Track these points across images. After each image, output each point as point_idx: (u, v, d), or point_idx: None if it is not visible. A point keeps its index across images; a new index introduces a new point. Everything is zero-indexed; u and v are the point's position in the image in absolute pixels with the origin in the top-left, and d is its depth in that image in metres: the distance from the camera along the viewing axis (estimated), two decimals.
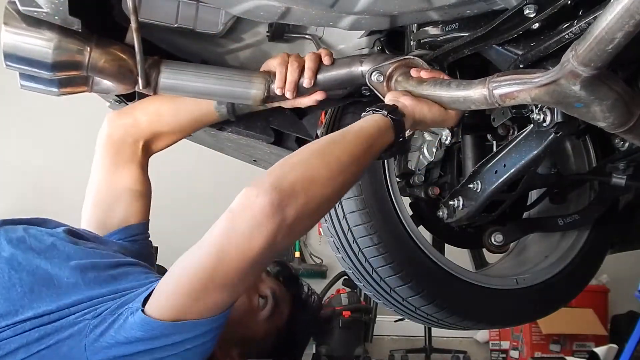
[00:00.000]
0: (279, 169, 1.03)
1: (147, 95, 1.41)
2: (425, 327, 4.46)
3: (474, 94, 1.08)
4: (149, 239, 1.43)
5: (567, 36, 1.03)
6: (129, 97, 1.49)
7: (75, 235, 1.27)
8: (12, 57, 1.24)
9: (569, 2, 1.02)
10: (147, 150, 1.44)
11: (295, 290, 1.40)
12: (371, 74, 1.28)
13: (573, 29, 1.01)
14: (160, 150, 1.48)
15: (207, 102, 1.38)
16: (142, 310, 1.02)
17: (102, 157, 1.43)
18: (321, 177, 1.03)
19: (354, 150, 1.08)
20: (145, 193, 1.43)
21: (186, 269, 1.02)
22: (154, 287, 1.05)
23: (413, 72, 1.26)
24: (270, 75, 1.36)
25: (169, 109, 1.42)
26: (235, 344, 1.28)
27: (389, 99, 1.21)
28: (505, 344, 4.79)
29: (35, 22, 1.22)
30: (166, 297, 1.03)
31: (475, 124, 1.53)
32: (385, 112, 1.13)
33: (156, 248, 4.40)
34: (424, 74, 1.24)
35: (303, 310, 1.40)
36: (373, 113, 1.14)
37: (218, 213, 1.04)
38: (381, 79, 1.28)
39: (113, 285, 1.15)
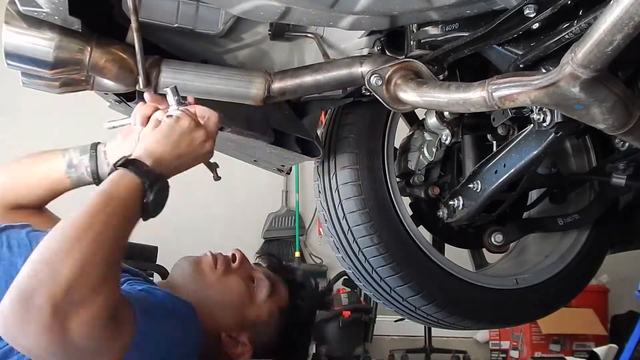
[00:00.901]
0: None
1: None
2: (425, 327, 4.46)
3: (473, 96, 1.08)
4: None
5: (567, 36, 1.03)
6: (129, 97, 1.49)
7: None
8: (14, 57, 1.25)
9: (569, 2, 1.02)
10: (26, 206, 1.36)
11: (288, 275, 1.41)
12: (370, 77, 1.29)
13: (573, 29, 1.01)
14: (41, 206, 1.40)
15: (58, 170, 1.32)
16: None
17: None
18: (62, 247, 0.94)
19: (91, 208, 1.00)
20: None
21: None
22: None
23: None
24: (270, 75, 1.36)
25: (28, 187, 1.35)
26: (242, 329, 1.29)
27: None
28: (505, 344, 4.79)
29: (36, 22, 1.22)
30: None
31: (475, 124, 1.53)
32: (113, 167, 1.08)
33: (156, 248, 4.40)
34: None
35: (301, 288, 1.41)
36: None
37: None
38: (380, 82, 1.29)
39: None
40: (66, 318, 0.90)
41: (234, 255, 1.34)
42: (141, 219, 1.07)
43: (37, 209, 1.38)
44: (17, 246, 1.18)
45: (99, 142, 1.35)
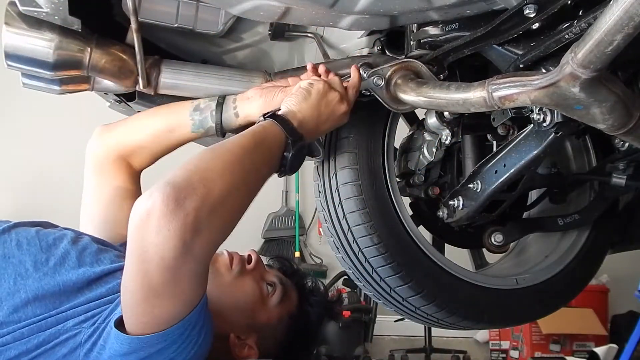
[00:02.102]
0: (173, 171, 0.99)
1: (148, 95, 1.41)
2: (425, 327, 4.46)
3: (473, 96, 1.08)
4: None
5: (567, 36, 1.03)
6: (129, 97, 1.49)
7: (82, 239, 1.26)
8: (14, 57, 1.25)
9: (569, 2, 1.02)
10: (131, 166, 1.41)
11: (299, 280, 1.42)
12: (370, 77, 1.29)
13: (573, 29, 1.01)
14: (146, 166, 1.45)
15: (184, 124, 1.35)
16: (117, 325, 1.04)
17: (90, 173, 1.42)
18: (216, 167, 1.00)
19: (244, 143, 1.07)
20: None
21: (126, 289, 1.01)
22: None
23: None
24: (270, 75, 1.36)
25: (146, 129, 1.39)
26: (251, 331, 1.29)
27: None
28: (505, 344, 4.79)
29: (35, 23, 1.22)
30: (125, 312, 1.03)
31: (475, 124, 1.53)
32: (262, 117, 1.16)
33: None
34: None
35: (311, 294, 1.42)
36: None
37: None
38: (380, 82, 1.29)
39: (112, 282, 1.15)
40: (199, 233, 0.93)
41: (249, 256, 1.34)
42: (276, 175, 1.14)
43: (135, 175, 1.42)
44: (27, 244, 1.18)
45: (226, 95, 1.35)
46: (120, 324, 1.04)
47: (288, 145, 1.13)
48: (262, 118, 1.16)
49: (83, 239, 1.24)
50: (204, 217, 0.94)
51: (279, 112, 1.17)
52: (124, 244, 1.28)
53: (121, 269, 1.17)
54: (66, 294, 1.12)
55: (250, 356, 1.28)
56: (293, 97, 1.21)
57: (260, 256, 1.38)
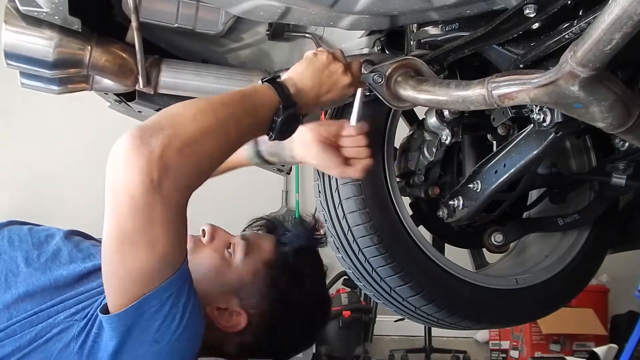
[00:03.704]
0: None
1: (148, 95, 1.41)
2: (425, 327, 4.47)
3: (472, 94, 1.08)
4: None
5: (567, 36, 1.03)
6: (129, 97, 1.49)
7: (74, 236, 1.26)
8: (13, 56, 1.25)
9: (569, 2, 1.02)
10: None
11: (273, 227, 1.34)
12: (370, 74, 1.29)
13: (573, 29, 1.01)
14: None
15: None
16: (104, 311, 1.03)
17: None
18: (188, 113, 1.00)
19: (225, 97, 1.08)
20: None
21: (104, 243, 1.00)
22: None
23: None
24: (269, 74, 1.37)
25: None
26: (227, 297, 1.21)
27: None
28: (505, 344, 4.79)
29: (35, 21, 1.22)
30: (107, 287, 1.02)
31: (476, 123, 1.53)
32: (260, 81, 1.17)
33: None
34: None
35: (283, 233, 1.32)
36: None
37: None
38: (380, 79, 1.29)
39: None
40: (166, 171, 0.94)
41: (203, 230, 1.27)
42: (267, 138, 1.15)
43: None
44: (18, 241, 1.19)
45: None
46: (106, 311, 1.03)
47: (279, 110, 1.13)
48: (259, 81, 1.17)
49: (75, 236, 1.25)
50: (171, 156, 0.94)
51: (279, 79, 1.17)
52: None
53: None
54: (57, 289, 1.12)
55: (240, 322, 1.21)
56: (297, 66, 1.21)
57: (220, 227, 1.30)
